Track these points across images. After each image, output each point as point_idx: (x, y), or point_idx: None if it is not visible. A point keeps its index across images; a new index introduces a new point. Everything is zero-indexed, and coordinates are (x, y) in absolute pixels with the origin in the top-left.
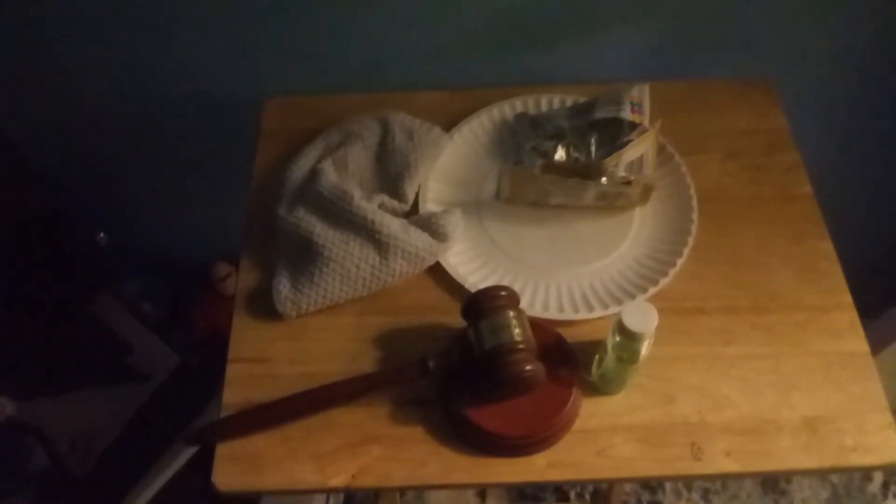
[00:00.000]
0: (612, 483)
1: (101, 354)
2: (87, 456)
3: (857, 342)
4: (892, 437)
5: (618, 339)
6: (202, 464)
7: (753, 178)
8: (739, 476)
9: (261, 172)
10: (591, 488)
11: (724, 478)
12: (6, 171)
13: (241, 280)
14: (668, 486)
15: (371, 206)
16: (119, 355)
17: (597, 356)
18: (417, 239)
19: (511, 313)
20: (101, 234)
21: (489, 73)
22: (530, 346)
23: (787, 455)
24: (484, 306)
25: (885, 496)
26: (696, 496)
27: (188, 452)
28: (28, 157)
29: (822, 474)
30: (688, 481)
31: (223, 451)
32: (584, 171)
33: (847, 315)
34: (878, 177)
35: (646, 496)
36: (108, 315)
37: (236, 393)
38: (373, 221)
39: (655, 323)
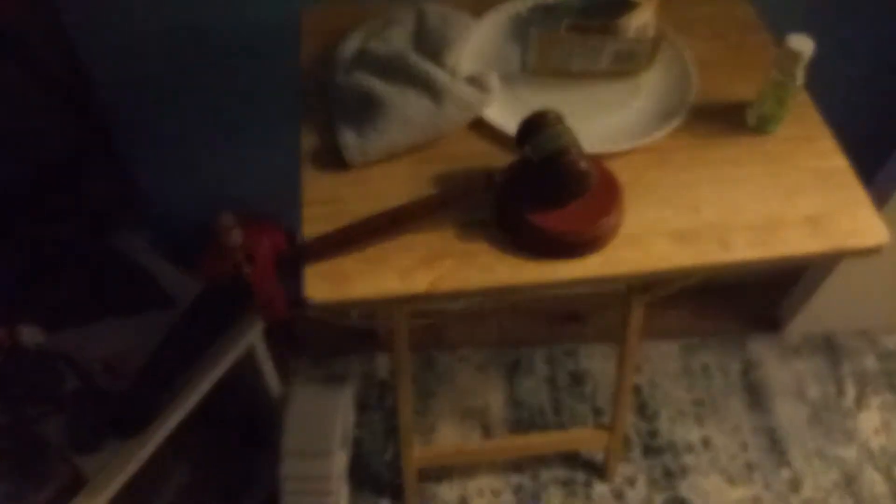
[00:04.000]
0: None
1: (126, 282)
2: (122, 376)
3: (839, 160)
4: (879, 224)
5: (778, 72)
6: None
7: (735, 50)
8: (762, 262)
9: (308, 57)
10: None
11: (750, 264)
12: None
13: (305, 142)
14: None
15: (426, 62)
16: (143, 282)
17: (751, 106)
18: (465, 89)
19: (561, 125)
20: None
21: None
22: (581, 149)
23: (798, 242)
24: (538, 123)
25: (859, 408)
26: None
27: (222, 367)
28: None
29: (828, 258)
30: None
31: (311, 271)
32: (602, 29)
33: (828, 142)
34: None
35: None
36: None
37: (314, 229)
38: (427, 72)
39: (812, 46)
